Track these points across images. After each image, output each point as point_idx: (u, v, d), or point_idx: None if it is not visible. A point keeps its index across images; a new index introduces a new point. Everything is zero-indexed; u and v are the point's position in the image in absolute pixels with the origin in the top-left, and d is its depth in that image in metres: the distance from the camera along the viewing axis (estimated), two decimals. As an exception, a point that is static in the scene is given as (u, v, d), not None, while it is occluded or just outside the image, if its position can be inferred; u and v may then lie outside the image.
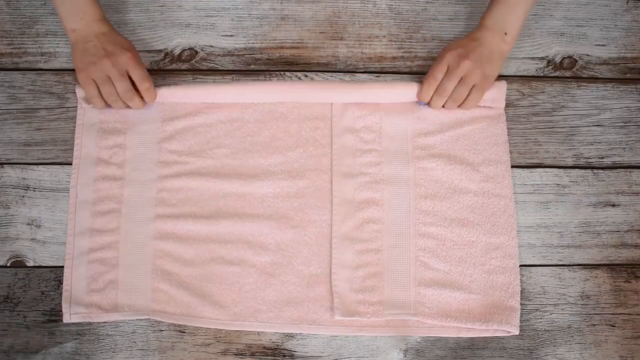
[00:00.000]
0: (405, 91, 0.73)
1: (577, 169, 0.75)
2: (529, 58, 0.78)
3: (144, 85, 0.70)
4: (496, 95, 0.74)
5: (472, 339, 0.70)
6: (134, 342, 0.69)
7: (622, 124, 0.77)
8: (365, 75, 0.76)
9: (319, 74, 0.76)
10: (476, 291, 0.69)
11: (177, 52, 0.76)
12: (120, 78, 0.69)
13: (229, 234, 0.70)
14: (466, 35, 0.73)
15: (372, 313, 0.68)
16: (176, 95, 0.73)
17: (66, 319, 0.68)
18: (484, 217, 0.72)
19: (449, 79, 0.71)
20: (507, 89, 0.76)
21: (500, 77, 0.77)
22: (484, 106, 0.74)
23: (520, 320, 0.71)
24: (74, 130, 0.73)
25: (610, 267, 0.73)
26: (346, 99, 0.74)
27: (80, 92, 0.72)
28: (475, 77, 0.71)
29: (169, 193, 0.71)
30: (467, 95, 0.72)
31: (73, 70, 0.74)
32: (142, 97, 0.71)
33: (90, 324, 0.69)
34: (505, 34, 0.71)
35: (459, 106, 0.73)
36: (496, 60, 0.72)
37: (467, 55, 0.70)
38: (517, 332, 0.69)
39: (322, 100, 0.74)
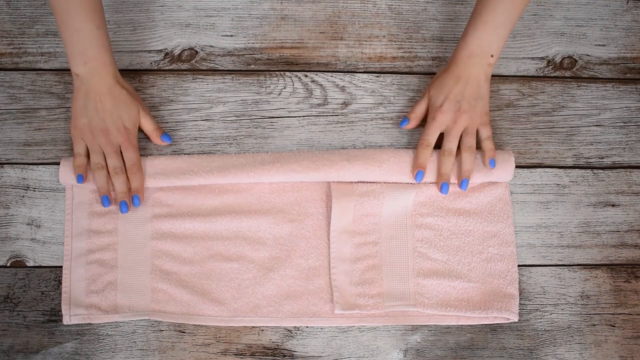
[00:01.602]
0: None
1: (577, 169, 0.75)
2: (529, 58, 0.78)
3: (132, 169, 0.68)
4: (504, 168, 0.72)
5: (472, 338, 0.70)
6: (134, 342, 0.69)
7: (622, 124, 0.77)
8: (365, 75, 0.76)
9: (319, 73, 0.76)
10: (475, 279, 0.70)
11: (177, 52, 0.76)
12: (112, 155, 0.68)
13: (226, 230, 0.70)
14: (446, 72, 0.70)
15: (372, 305, 0.68)
16: (162, 185, 0.71)
17: (66, 320, 0.68)
18: (479, 205, 0.72)
19: (450, 139, 0.69)
20: (507, 89, 0.77)
21: (500, 78, 0.77)
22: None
23: (520, 320, 0.71)
24: (74, 130, 0.73)
25: (610, 267, 0.73)
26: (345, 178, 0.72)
27: (63, 177, 0.69)
28: (477, 122, 0.69)
29: (165, 193, 0.71)
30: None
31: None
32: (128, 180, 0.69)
33: (90, 324, 0.69)
34: (492, 55, 0.68)
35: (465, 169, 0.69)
36: (485, 87, 0.70)
37: (460, 106, 0.68)
38: (516, 319, 0.69)
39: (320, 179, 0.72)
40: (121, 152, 0.69)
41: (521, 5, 0.67)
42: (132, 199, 0.69)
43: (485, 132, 0.70)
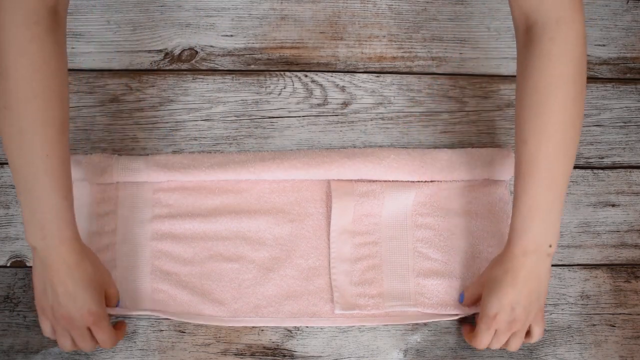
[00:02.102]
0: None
1: (577, 169, 0.75)
2: (529, 58, 0.78)
3: (106, 346, 0.62)
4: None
5: (472, 339, 0.70)
6: (134, 342, 0.69)
7: (622, 124, 0.77)
8: (365, 75, 0.76)
9: (319, 73, 0.76)
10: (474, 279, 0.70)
11: (177, 52, 0.76)
12: (80, 338, 0.60)
13: (226, 230, 0.70)
14: (501, 267, 0.62)
15: (372, 306, 0.68)
16: (163, 179, 0.70)
17: None
18: (479, 205, 0.72)
19: (499, 342, 0.63)
20: (507, 89, 0.77)
21: (500, 78, 0.77)
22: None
23: (520, 320, 0.71)
24: (74, 130, 0.73)
25: (610, 267, 0.73)
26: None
27: None
28: (528, 322, 0.63)
29: (165, 193, 0.71)
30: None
31: (73, 70, 0.74)
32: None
33: (90, 324, 0.69)
34: (550, 245, 0.60)
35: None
36: (544, 283, 0.61)
37: (515, 315, 0.61)
38: None
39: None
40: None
41: (564, 174, 0.58)
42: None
43: (536, 331, 0.64)
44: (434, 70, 0.77)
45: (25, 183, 0.55)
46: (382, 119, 0.75)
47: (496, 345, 0.64)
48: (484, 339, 0.63)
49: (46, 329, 0.62)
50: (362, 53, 0.77)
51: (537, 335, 0.65)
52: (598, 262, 0.73)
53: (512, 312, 0.61)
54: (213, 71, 0.76)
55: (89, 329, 0.60)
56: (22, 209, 0.56)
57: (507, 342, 0.64)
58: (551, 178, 0.58)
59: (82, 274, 0.58)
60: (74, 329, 0.60)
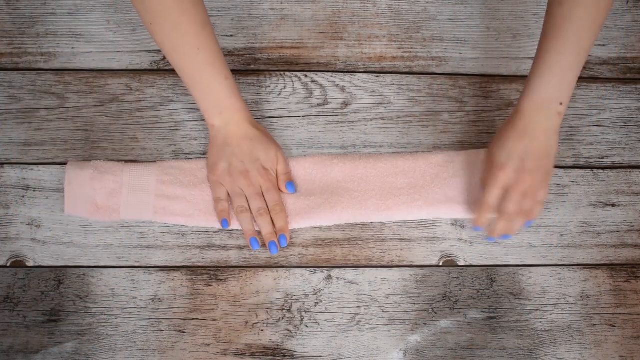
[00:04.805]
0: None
1: (577, 169, 0.75)
2: (529, 58, 0.78)
3: (275, 209, 0.68)
4: None
5: (472, 338, 0.70)
6: (134, 342, 0.69)
7: (622, 124, 0.77)
8: (365, 75, 0.76)
9: (319, 73, 0.76)
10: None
11: (177, 52, 0.76)
12: (255, 197, 0.68)
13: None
14: (510, 125, 0.64)
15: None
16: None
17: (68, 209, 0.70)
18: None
19: (511, 202, 0.63)
20: (507, 89, 0.77)
21: (500, 78, 0.77)
22: None
23: (520, 320, 0.71)
24: (74, 130, 0.73)
25: (610, 267, 0.73)
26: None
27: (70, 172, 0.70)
28: (538, 183, 0.63)
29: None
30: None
31: (73, 70, 0.74)
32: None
33: (90, 324, 0.69)
34: (561, 103, 0.62)
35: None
36: (553, 142, 0.63)
37: (524, 166, 0.62)
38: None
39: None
40: (262, 193, 0.69)
41: (588, 41, 0.60)
42: (279, 239, 0.69)
43: (541, 195, 0.65)
44: (434, 70, 0.77)
45: (193, 77, 0.64)
46: (382, 119, 0.75)
47: (510, 206, 0.63)
48: (493, 192, 0.64)
49: (221, 193, 0.69)
50: (362, 53, 0.77)
51: (541, 197, 0.64)
52: (598, 262, 0.73)
53: (521, 162, 0.62)
54: (213, 71, 0.76)
55: (262, 194, 0.68)
56: (196, 99, 0.65)
57: (521, 206, 0.64)
58: (576, 41, 0.60)
59: (256, 135, 0.67)
60: (249, 185, 0.68)
